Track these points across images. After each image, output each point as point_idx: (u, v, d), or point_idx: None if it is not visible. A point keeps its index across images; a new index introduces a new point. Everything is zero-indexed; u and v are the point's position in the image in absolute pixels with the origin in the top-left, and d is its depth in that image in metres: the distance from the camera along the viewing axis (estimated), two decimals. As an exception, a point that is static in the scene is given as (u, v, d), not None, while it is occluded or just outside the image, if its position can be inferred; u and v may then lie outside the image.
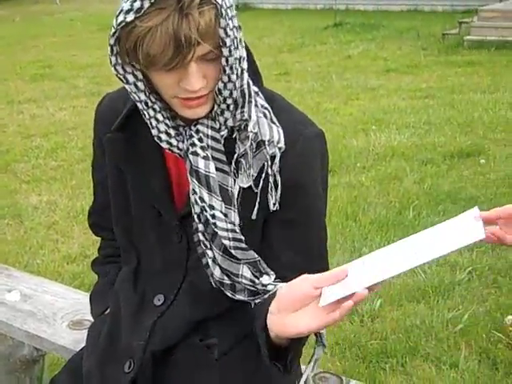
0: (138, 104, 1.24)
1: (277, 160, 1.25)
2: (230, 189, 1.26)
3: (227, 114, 1.23)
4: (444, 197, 4.40)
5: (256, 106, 1.26)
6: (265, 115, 1.27)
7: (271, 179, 1.26)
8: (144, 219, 1.38)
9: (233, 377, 1.35)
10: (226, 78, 1.16)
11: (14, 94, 8.24)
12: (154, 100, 1.23)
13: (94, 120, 1.46)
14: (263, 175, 1.26)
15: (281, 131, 1.26)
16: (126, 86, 1.21)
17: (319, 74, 8.38)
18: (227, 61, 1.14)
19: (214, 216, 1.26)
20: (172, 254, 1.36)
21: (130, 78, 1.19)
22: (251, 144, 1.24)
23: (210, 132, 1.25)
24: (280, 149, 1.25)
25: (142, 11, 1.07)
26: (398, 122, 6.13)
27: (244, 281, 1.30)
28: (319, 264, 1.33)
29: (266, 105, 1.28)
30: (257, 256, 1.30)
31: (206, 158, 1.25)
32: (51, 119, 7.07)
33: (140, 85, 1.20)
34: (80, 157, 5.74)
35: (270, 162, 1.25)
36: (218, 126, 1.25)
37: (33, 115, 7.28)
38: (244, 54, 1.21)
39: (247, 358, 1.32)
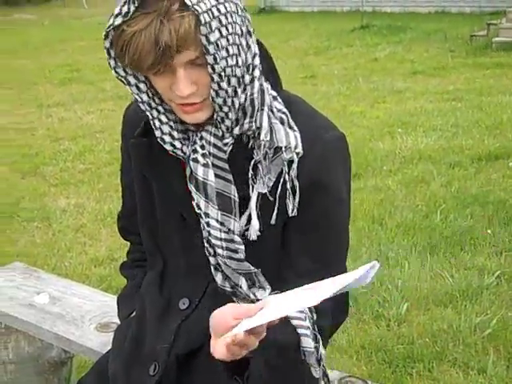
0: (141, 105, 1.25)
1: (294, 165, 1.24)
2: (232, 197, 1.26)
3: (228, 122, 1.21)
4: (472, 200, 4.36)
5: (272, 111, 1.25)
6: (281, 120, 1.25)
7: (289, 184, 1.25)
8: (168, 223, 1.39)
9: None
10: (215, 86, 1.15)
11: (43, 98, 8.34)
12: (157, 102, 1.24)
13: (122, 124, 1.47)
14: (281, 180, 1.25)
15: (298, 136, 1.24)
16: (128, 88, 1.23)
17: (345, 77, 8.36)
18: (213, 68, 1.12)
19: (208, 224, 1.27)
20: (196, 258, 1.36)
21: (132, 79, 1.21)
22: (266, 152, 1.24)
23: (212, 139, 1.25)
24: (298, 154, 1.24)
25: (129, 15, 1.09)
26: (425, 125, 6.09)
27: (242, 291, 1.31)
28: (337, 274, 1.31)
29: (284, 109, 1.27)
30: (253, 268, 1.29)
31: (205, 165, 1.25)
32: (79, 122, 7.15)
33: (142, 86, 1.22)
34: (107, 160, 5.79)
35: (287, 168, 1.24)
36: (220, 134, 1.24)
37: (61, 118, 7.37)
38: (256, 62, 1.21)
39: (269, 365, 1.31)
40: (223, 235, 1.27)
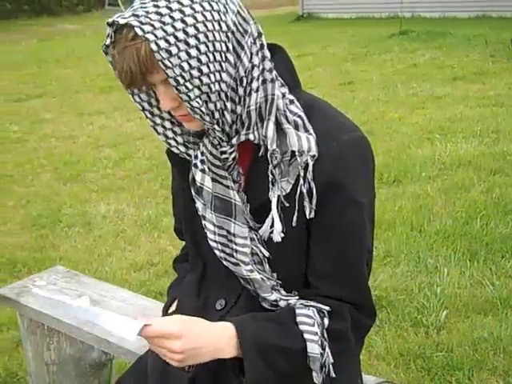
0: (142, 113, 1.33)
1: (310, 168, 1.25)
2: (232, 201, 1.31)
3: (220, 134, 1.25)
4: (513, 207, 4.30)
5: (286, 116, 1.27)
6: (296, 124, 1.27)
7: (305, 187, 1.26)
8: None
9: None
10: (187, 104, 1.19)
11: (84, 106, 8.49)
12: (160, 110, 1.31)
13: None
14: (300, 183, 1.27)
15: (312, 139, 1.25)
16: (131, 97, 1.31)
17: (384, 83, 8.31)
18: (178, 89, 1.17)
19: (205, 226, 1.34)
20: None
21: (135, 90, 1.30)
22: (280, 157, 1.26)
23: (209, 147, 1.30)
24: (313, 157, 1.25)
25: (113, 38, 1.18)
26: (465, 131, 6.02)
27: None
28: (353, 277, 1.33)
29: (300, 113, 1.28)
30: (245, 273, 1.32)
31: (202, 171, 1.32)
32: (119, 130, 7.26)
33: (143, 96, 1.31)
34: (147, 167, 5.86)
35: (303, 171, 1.26)
36: (216, 143, 1.28)
37: (101, 126, 7.49)
38: (255, 73, 1.22)
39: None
40: (218, 238, 1.33)
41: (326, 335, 1.29)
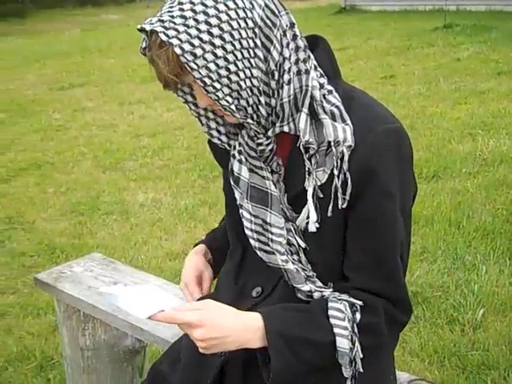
0: (186, 105, 1.36)
1: (346, 158, 1.25)
2: (268, 191, 1.32)
3: (255, 127, 1.27)
4: (556, 205, 4.21)
5: (323, 106, 1.26)
6: (332, 114, 1.26)
7: (341, 177, 1.26)
8: None
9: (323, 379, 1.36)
10: (217, 103, 1.21)
11: (125, 96, 8.57)
12: None
13: None
14: (336, 173, 1.26)
15: (348, 129, 1.25)
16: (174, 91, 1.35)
17: (426, 77, 8.20)
18: (206, 90, 1.19)
19: (242, 215, 1.36)
20: None
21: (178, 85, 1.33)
22: (316, 148, 1.26)
23: (246, 138, 1.33)
24: (349, 147, 1.25)
25: (147, 42, 1.23)
26: (508, 127, 5.90)
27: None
28: (387, 270, 1.32)
29: (338, 103, 1.28)
30: (281, 263, 1.32)
31: (240, 161, 1.35)
32: (159, 119, 7.31)
33: (185, 88, 1.35)
34: (185, 156, 5.89)
35: (339, 162, 1.26)
36: (252, 134, 1.31)
37: (142, 116, 7.55)
38: (286, 66, 1.23)
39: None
40: (254, 226, 1.34)
41: (356, 330, 1.29)
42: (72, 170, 5.80)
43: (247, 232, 1.35)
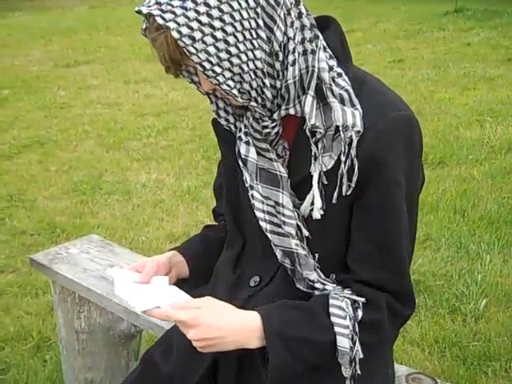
0: (193, 85, 1.31)
1: (354, 144, 1.20)
2: (277, 173, 1.28)
3: (260, 110, 1.23)
4: (563, 195, 4.15)
5: (331, 90, 1.21)
6: (341, 98, 1.22)
7: (347, 163, 1.21)
8: (248, 203, 1.38)
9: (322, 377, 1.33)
10: (218, 87, 1.18)
11: (131, 74, 8.52)
12: None
13: None
14: (343, 159, 1.22)
15: (357, 114, 1.20)
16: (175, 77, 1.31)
17: (435, 62, 8.11)
18: (206, 74, 1.15)
19: (252, 196, 1.30)
20: (269, 241, 1.34)
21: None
22: (323, 132, 1.21)
23: (251, 120, 1.29)
24: (357, 133, 1.20)
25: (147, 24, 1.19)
26: (517, 115, 5.84)
27: (298, 270, 1.31)
28: (390, 260, 1.27)
29: (347, 87, 1.23)
30: (295, 247, 1.27)
31: (247, 143, 1.30)
32: (164, 99, 7.25)
33: (191, 69, 1.29)
34: (189, 137, 5.85)
35: (346, 147, 1.21)
36: (258, 117, 1.26)
37: (147, 95, 7.49)
38: (290, 46, 1.18)
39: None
40: (266, 207, 1.29)
41: (357, 329, 1.25)
42: (75, 149, 5.76)
43: (258, 214, 1.29)
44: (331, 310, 1.25)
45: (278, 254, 1.32)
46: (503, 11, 11.25)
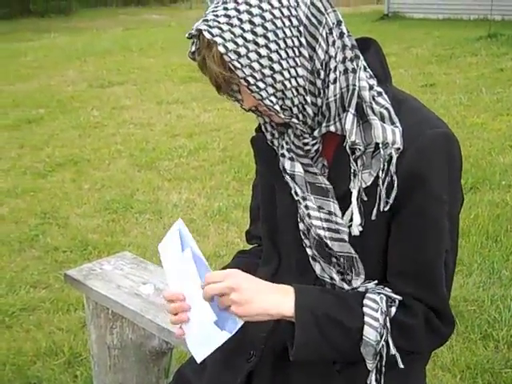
0: (236, 103, 1.34)
1: (394, 161, 1.21)
2: (323, 185, 1.30)
3: (301, 127, 1.26)
4: None
5: (372, 108, 1.23)
6: (382, 116, 1.23)
7: (386, 180, 1.22)
8: (285, 221, 1.40)
9: None
10: (261, 102, 1.21)
11: (164, 95, 8.61)
12: None
13: None
14: (382, 176, 1.23)
15: (397, 131, 1.22)
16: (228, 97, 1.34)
17: (467, 87, 8.08)
18: (249, 89, 1.19)
19: (307, 206, 1.31)
20: (306, 257, 1.35)
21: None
22: (363, 149, 1.23)
23: (292, 137, 1.32)
24: (397, 150, 1.21)
25: (197, 45, 1.22)
26: (550, 141, 5.78)
27: (336, 283, 1.32)
28: (428, 277, 1.28)
29: (387, 105, 1.24)
30: (354, 252, 1.28)
31: (291, 159, 1.32)
32: (196, 120, 7.32)
33: (234, 87, 1.31)
34: (220, 158, 5.88)
35: (386, 164, 1.22)
36: (299, 133, 1.29)
37: (179, 116, 7.57)
38: (332, 65, 1.21)
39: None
40: (323, 215, 1.29)
41: (388, 324, 1.25)
42: (108, 168, 5.83)
43: (316, 222, 1.29)
44: (365, 301, 1.26)
45: (317, 268, 1.33)
46: (537, 37, 11.18)
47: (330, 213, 1.29)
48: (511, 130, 6.19)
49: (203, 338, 1.30)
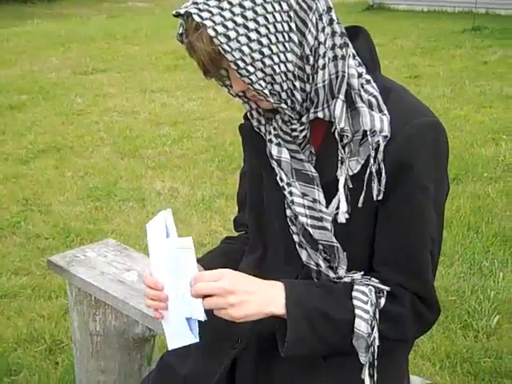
0: (224, 88, 1.34)
1: (381, 148, 1.22)
2: (309, 173, 1.30)
3: (289, 112, 1.26)
4: None
5: (360, 95, 1.24)
6: (370, 103, 1.24)
7: (374, 168, 1.23)
8: (271, 208, 1.40)
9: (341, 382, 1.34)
10: (251, 87, 1.21)
11: (148, 83, 8.56)
12: None
13: None
14: (370, 163, 1.24)
15: (385, 119, 1.23)
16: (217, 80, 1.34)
17: (451, 79, 8.11)
18: (239, 73, 1.18)
19: (291, 192, 1.31)
20: (293, 245, 1.36)
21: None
22: (351, 136, 1.24)
23: (280, 123, 1.32)
24: (385, 137, 1.22)
25: (185, 27, 1.21)
26: (533, 134, 5.83)
27: (322, 271, 1.32)
28: (414, 265, 1.29)
29: (376, 93, 1.26)
30: (335, 241, 1.28)
31: (278, 144, 1.32)
32: (180, 109, 7.29)
33: (222, 72, 1.30)
34: (204, 147, 5.87)
35: (373, 152, 1.23)
36: (286, 119, 1.29)
37: (163, 104, 7.53)
38: (321, 51, 1.21)
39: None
40: (306, 202, 1.30)
41: (377, 316, 1.26)
42: (91, 155, 5.80)
43: (299, 209, 1.30)
44: (354, 293, 1.27)
45: (304, 255, 1.33)
46: (521, 30, 11.25)
47: (314, 200, 1.29)
48: (494, 123, 6.24)
49: (176, 330, 1.30)
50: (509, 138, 5.72)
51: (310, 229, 1.29)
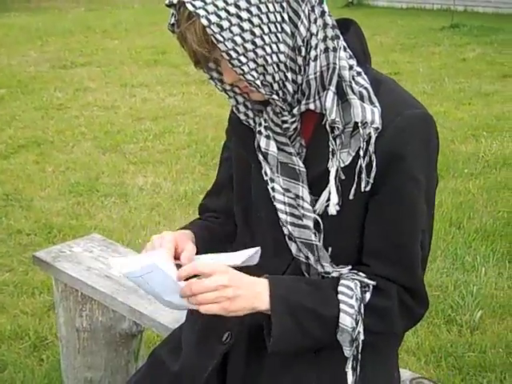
0: (211, 81, 1.33)
1: (372, 140, 1.23)
2: (296, 167, 1.30)
3: (280, 104, 1.26)
4: (557, 210, 4.19)
5: (351, 87, 1.25)
6: (361, 95, 1.25)
7: (365, 159, 1.24)
8: (259, 199, 1.40)
9: (331, 375, 1.34)
10: (242, 78, 1.20)
11: (128, 78, 8.50)
12: None
13: None
14: (361, 155, 1.24)
15: (376, 111, 1.23)
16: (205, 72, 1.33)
17: (431, 76, 8.16)
18: (231, 63, 1.18)
19: (273, 188, 1.31)
20: (282, 236, 1.35)
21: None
22: (342, 128, 1.24)
23: (271, 114, 1.31)
24: (376, 129, 1.23)
25: (176, 17, 1.21)
26: (512, 130, 5.89)
27: (312, 264, 1.32)
28: (404, 257, 1.29)
29: (366, 85, 1.26)
30: (314, 239, 1.28)
31: (267, 137, 1.32)
32: (161, 104, 7.25)
33: (211, 65, 1.31)
34: (186, 142, 5.85)
35: (364, 143, 1.23)
36: (278, 111, 1.29)
37: (144, 99, 7.49)
38: (313, 42, 1.21)
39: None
40: (287, 199, 1.30)
41: (362, 310, 1.27)
42: (72, 150, 5.75)
43: (279, 205, 1.30)
44: (340, 288, 1.28)
45: (293, 248, 1.33)
46: (499, 28, 11.34)
47: (296, 197, 1.30)
48: (473, 119, 6.30)
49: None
50: (488, 135, 5.77)
51: (288, 226, 1.30)
